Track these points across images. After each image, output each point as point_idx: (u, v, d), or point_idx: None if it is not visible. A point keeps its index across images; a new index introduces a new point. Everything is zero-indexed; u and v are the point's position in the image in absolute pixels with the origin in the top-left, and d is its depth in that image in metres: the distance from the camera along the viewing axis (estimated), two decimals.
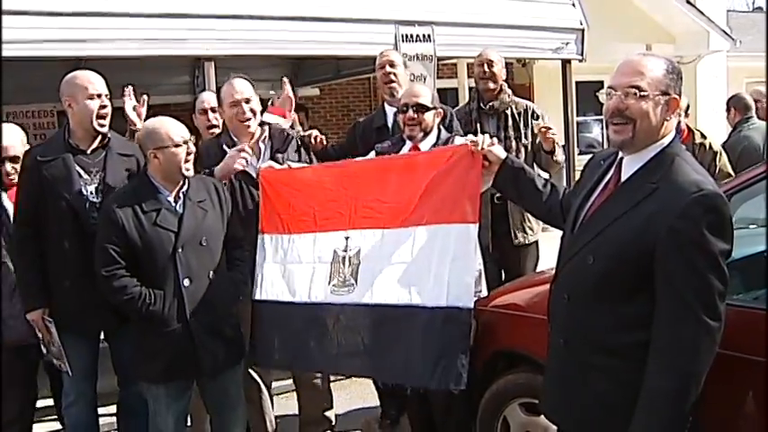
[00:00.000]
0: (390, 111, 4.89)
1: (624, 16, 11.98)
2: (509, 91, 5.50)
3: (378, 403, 5.22)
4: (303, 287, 3.86)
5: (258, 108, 4.33)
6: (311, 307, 3.81)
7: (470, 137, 3.59)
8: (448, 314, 3.40)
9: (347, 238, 3.79)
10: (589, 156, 4.96)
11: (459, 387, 3.35)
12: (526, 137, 5.39)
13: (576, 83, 7.64)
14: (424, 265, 3.53)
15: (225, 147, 4.26)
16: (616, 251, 2.48)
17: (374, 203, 3.77)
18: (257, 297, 3.99)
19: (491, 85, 5.39)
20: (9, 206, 4.19)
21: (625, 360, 2.51)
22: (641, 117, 2.49)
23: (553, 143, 5.11)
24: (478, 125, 5.34)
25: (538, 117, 5.49)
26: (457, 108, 5.79)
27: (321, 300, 3.79)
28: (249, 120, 4.25)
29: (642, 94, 2.47)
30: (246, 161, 4.08)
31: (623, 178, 2.61)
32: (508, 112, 5.40)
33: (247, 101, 4.25)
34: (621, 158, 2.65)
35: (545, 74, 9.39)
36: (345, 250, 3.78)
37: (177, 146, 3.63)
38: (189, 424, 4.13)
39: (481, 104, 5.46)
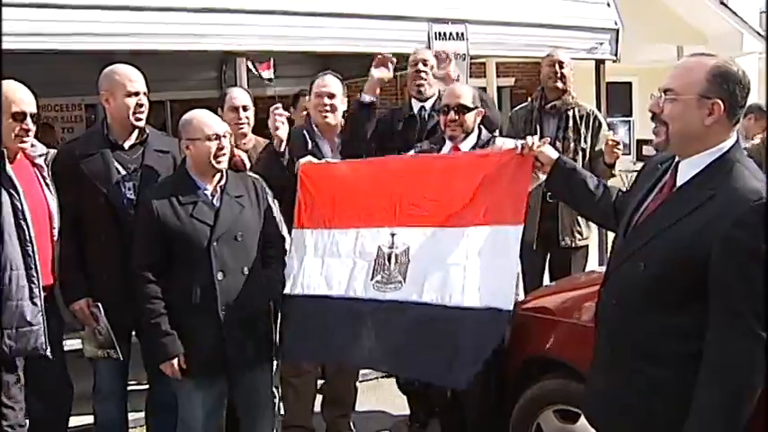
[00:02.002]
0: (417, 105, 5.00)
1: (654, 16, 11.78)
2: (574, 94, 5.51)
3: (405, 406, 5.17)
4: (341, 281, 3.84)
5: (341, 106, 4.66)
6: (349, 302, 3.79)
7: (520, 141, 3.57)
8: (488, 315, 3.38)
9: (393, 235, 3.76)
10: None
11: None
12: (585, 141, 5.39)
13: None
14: (470, 265, 3.51)
15: (305, 133, 4.61)
16: (668, 258, 2.40)
17: (421, 201, 3.75)
18: (291, 292, 3.95)
19: (560, 86, 5.43)
20: None
21: (674, 370, 2.43)
22: (671, 120, 2.45)
23: (616, 159, 5.08)
24: (538, 125, 5.41)
25: (600, 124, 5.51)
26: (520, 107, 5.84)
27: (360, 295, 3.76)
28: (327, 112, 4.57)
29: (671, 97, 2.43)
30: (281, 121, 4.27)
31: (679, 183, 2.53)
32: (570, 113, 5.41)
33: (330, 96, 4.59)
34: (678, 162, 2.56)
35: (576, 74, 9.26)
36: (392, 247, 3.76)
37: (208, 139, 3.65)
38: None
39: (543, 104, 5.48)
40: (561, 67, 5.42)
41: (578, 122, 5.40)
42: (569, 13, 6.66)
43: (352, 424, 4.91)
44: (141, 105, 3.92)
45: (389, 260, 3.74)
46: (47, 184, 3.81)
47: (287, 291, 3.95)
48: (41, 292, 3.59)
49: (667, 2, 12.44)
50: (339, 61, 5.85)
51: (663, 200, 2.56)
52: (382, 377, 5.69)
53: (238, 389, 3.87)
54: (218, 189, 3.73)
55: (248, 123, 4.66)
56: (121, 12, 5.02)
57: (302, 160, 4.16)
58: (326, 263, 3.92)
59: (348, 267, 3.84)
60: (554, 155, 3.37)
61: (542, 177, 3.47)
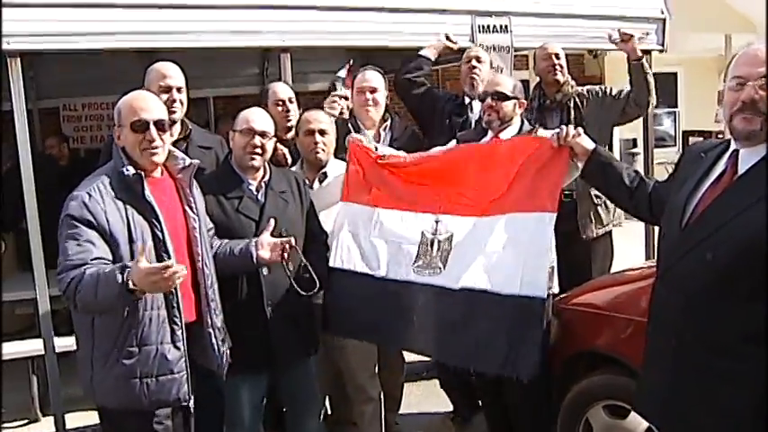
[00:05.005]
0: (468, 100, 5.09)
1: (701, 4, 11.53)
2: (572, 82, 5.35)
3: (448, 402, 5.20)
4: (384, 263, 3.90)
5: (383, 100, 4.79)
6: (391, 283, 3.84)
7: (556, 129, 3.58)
8: (520, 303, 3.41)
9: (437, 222, 3.81)
10: (662, 150, 4.77)
11: (528, 378, 3.35)
12: (593, 126, 4.91)
13: None
14: (502, 252, 3.56)
15: (351, 127, 4.72)
16: (741, 246, 2.36)
17: (465, 190, 3.80)
18: (333, 264, 4.00)
19: (560, 78, 5.26)
20: None
21: (752, 364, 2.35)
22: None
23: (632, 46, 5.22)
24: (540, 124, 4.97)
25: (605, 91, 5.33)
26: None
27: (402, 278, 3.81)
28: (369, 106, 4.73)
29: None
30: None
31: (740, 171, 2.49)
32: (571, 103, 5.20)
33: (372, 90, 4.73)
34: (735, 150, 2.53)
35: (616, 65, 9.09)
36: (435, 233, 3.80)
37: (242, 132, 3.70)
38: None
39: (541, 101, 5.33)
40: (559, 59, 5.24)
41: (581, 108, 5.19)
42: (615, 3, 6.50)
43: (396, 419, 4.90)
44: (174, 101, 3.90)
45: (431, 246, 3.78)
46: (188, 202, 3.31)
47: (331, 263, 4.00)
48: (184, 335, 3.15)
49: None
50: (382, 56, 5.79)
51: (724, 189, 2.51)
52: (425, 374, 5.70)
53: (283, 382, 3.89)
54: (263, 184, 3.76)
55: (294, 116, 4.62)
56: (164, 10, 5.04)
57: (354, 136, 4.21)
58: (367, 241, 3.98)
59: (393, 250, 3.90)
60: (590, 145, 3.37)
61: (579, 169, 3.45)
